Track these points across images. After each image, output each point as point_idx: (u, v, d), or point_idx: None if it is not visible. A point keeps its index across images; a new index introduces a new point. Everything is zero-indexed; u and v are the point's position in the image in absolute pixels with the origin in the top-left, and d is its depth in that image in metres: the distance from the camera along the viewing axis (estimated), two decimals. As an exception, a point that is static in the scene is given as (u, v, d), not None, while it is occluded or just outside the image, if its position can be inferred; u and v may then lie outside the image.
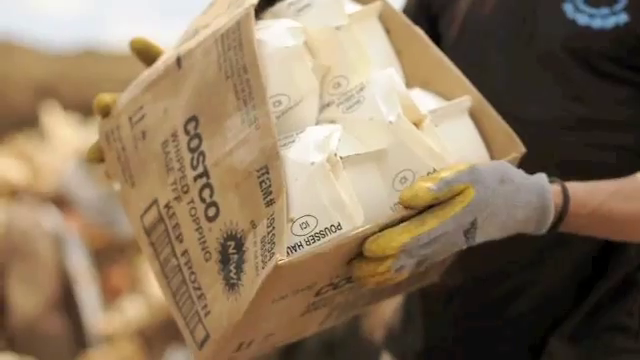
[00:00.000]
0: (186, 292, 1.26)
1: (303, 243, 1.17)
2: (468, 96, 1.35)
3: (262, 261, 1.17)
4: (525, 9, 1.56)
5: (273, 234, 1.17)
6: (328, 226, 1.17)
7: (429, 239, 1.19)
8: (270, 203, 1.18)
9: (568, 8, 1.52)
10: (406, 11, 1.71)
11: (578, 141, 1.52)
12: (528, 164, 1.37)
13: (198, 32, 1.33)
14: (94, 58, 15.94)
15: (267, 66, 1.24)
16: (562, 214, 1.32)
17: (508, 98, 1.53)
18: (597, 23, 1.50)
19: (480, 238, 1.25)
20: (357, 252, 1.20)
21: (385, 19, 1.40)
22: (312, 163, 1.18)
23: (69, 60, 15.56)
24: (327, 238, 1.17)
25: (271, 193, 1.18)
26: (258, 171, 1.20)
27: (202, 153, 1.24)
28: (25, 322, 4.95)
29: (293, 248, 1.17)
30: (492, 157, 1.35)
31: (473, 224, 1.22)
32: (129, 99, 1.35)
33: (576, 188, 1.35)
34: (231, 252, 1.21)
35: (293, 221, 1.17)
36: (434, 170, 1.23)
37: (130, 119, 1.33)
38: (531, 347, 1.57)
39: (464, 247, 1.25)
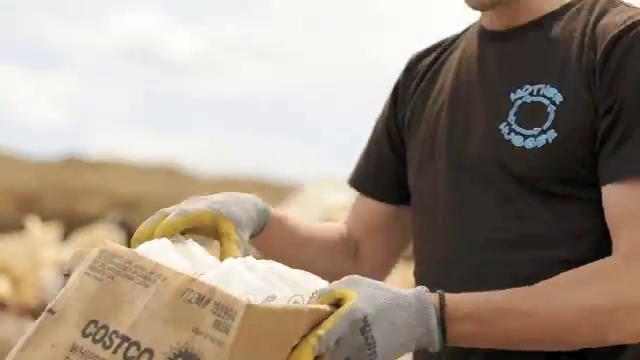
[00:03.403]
0: None
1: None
2: None
3: (225, 326, 1.25)
4: (465, 130, 1.64)
5: (223, 308, 1.26)
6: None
7: (331, 341, 1.30)
8: (205, 304, 1.27)
9: (504, 129, 1.58)
10: (374, 132, 1.84)
11: (522, 258, 1.56)
12: (476, 284, 1.44)
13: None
14: (76, 167, 16.02)
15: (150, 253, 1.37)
16: (442, 315, 1.40)
17: (452, 219, 1.62)
18: (530, 143, 1.56)
19: (380, 341, 1.34)
20: None
21: None
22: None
23: (51, 169, 15.63)
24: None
25: (203, 297, 1.27)
26: (182, 295, 1.28)
27: (114, 332, 1.32)
28: None
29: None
30: None
31: (365, 321, 1.32)
32: None
33: (456, 295, 1.43)
34: None
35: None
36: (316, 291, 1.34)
37: None
38: None
39: (369, 352, 1.33)
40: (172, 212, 1.50)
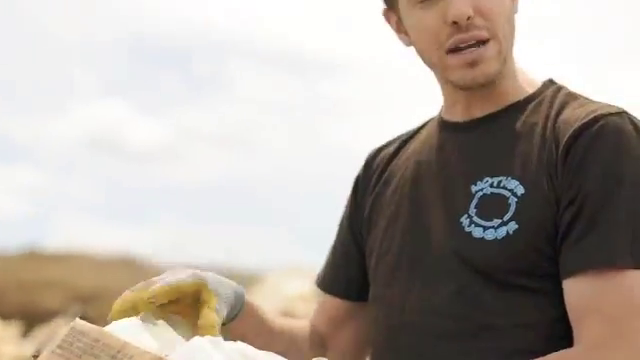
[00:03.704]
0: None
1: None
2: None
3: None
4: (425, 223, 1.66)
5: None
6: None
7: None
8: None
9: (465, 222, 1.60)
10: (339, 231, 1.85)
11: (480, 346, 1.57)
12: None
13: None
14: (36, 260, 15.88)
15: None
16: None
17: (410, 309, 1.64)
18: (490, 234, 1.58)
19: None
20: None
21: None
22: None
23: (11, 263, 15.49)
24: None
25: None
26: None
27: None
28: None
29: None
30: None
31: None
32: None
33: None
34: None
35: None
36: None
37: None
38: None
39: None
40: (158, 282, 1.48)
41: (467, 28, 1.60)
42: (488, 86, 1.65)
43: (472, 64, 1.62)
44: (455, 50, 1.62)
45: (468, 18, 1.60)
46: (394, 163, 1.79)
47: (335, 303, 1.83)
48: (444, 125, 1.72)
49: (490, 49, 1.62)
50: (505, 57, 1.64)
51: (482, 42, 1.61)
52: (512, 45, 1.66)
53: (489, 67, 1.62)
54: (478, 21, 1.61)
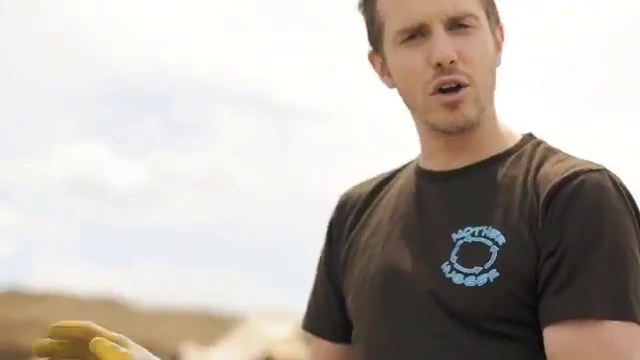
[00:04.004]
0: None
1: None
2: None
3: None
4: (404, 268, 1.66)
5: None
6: None
7: None
8: None
9: (446, 268, 1.60)
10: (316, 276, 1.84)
11: None
12: None
13: None
14: (17, 300, 15.83)
15: None
16: None
17: (389, 350, 1.64)
18: (470, 281, 1.58)
19: None
20: None
21: None
22: None
23: (-9, 302, 15.42)
24: None
25: None
26: None
27: None
28: None
29: None
30: None
31: None
32: None
33: None
34: None
35: None
36: None
37: None
38: None
39: None
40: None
41: (449, 71, 1.62)
42: (467, 133, 1.65)
43: (453, 106, 1.62)
44: (438, 92, 1.63)
45: (452, 62, 1.61)
46: (371, 208, 1.77)
47: (326, 348, 1.82)
48: (423, 173, 1.72)
49: (469, 93, 1.62)
50: (483, 106, 1.64)
51: (461, 86, 1.62)
52: (491, 96, 1.67)
53: (469, 111, 1.63)
54: (460, 66, 1.62)
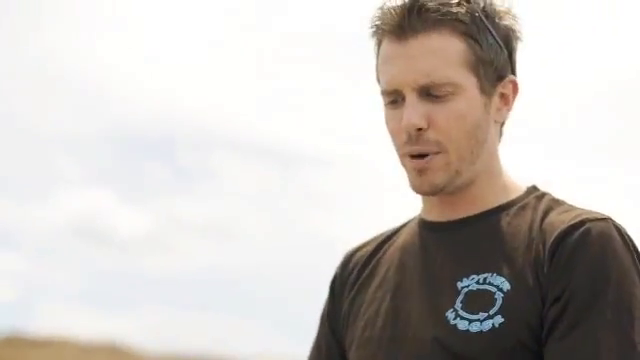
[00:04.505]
0: None
1: None
2: None
3: None
4: (408, 318, 1.67)
5: None
6: None
7: None
8: None
9: (450, 315, 1.61)
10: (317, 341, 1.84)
11: None
12: None
13: None
14: (19, 345, 15.79)
15: None
16: None
17: None
18: (475, 327, 1.59)
19: None
20: None
21: None
22: None
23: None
24: None
25: None
26: None
27: None
28: None
29: None
30: None
31: None
32: None
33: None
34: None
35: None
36: None
37: None
38: None
39: None
40: None
41: (416, 140, 1.64)
42: (455, 192, 1.67)
43: (420, 172, 1.65)
44: (407, 156, 1.66)
45: (420, 129, 1.63)
46: (375, 263, 1.79)
47: None
48: (425, 225, 1.74)
49: (437, 161, 1.64)
50: (457, 170, 1.65)
51: (432, 152, 1.64)
52: (475, 157, 1.67)
53: (435, 177, 1.65)
54: (430, 134, 1.64)
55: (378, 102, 1.73)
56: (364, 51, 1.75)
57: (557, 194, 1.72)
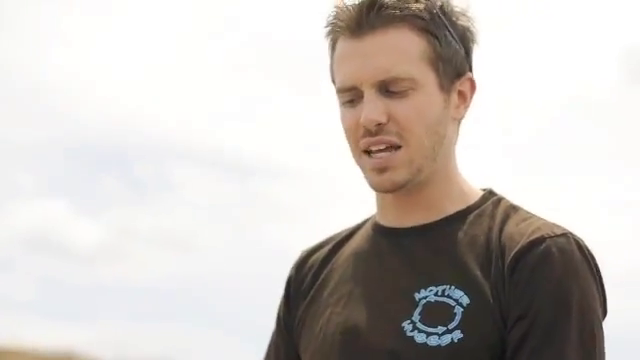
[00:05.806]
0: None
1: None
2: None
3: None
4: (363, 326, 1.64)
5: None
6: None
7: None
8: None
9: (407, 327, 1.59)
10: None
11: None
12: None
13: None
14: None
15: None
16: None
17: None
18: (433, 341, 1.56)
19: None
20: None
21: None
22: None
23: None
24: None
25: None
26: None
27: None
28: None
29: None
30: None
31: None
32: None
33: None
34: None
35: None
36: None
37: None
38: None
39: None
40: None
41: (376, 132, 1.60)
42: (412, 192, 1.64)
43: (380, 170, 1.62)
44: (364, 153, 1.63)
45: (379, 124, 1.60)
46: (330, 266, 1.76)
47: None
48: (380, 229, 1.70)
49: (400, 156, 1.61)
50: (419, 167, 1.62)
51: (393, 147, 1.61)
52: (435, 154, 1.64)
53: (396, 175, 1.61)
54: (391, 127, 1.61)
55: (333, 112, 1.71)
56: (319, 62, 1.72)
57: (513, 199, 1.70)
